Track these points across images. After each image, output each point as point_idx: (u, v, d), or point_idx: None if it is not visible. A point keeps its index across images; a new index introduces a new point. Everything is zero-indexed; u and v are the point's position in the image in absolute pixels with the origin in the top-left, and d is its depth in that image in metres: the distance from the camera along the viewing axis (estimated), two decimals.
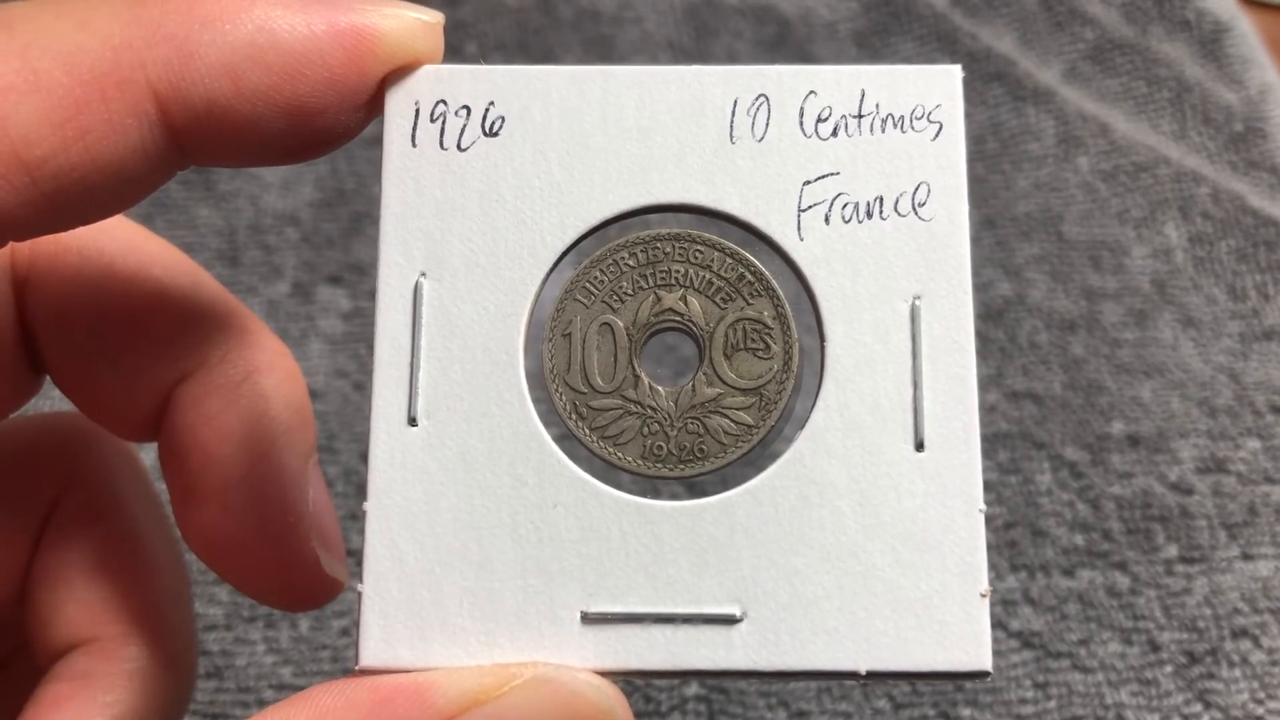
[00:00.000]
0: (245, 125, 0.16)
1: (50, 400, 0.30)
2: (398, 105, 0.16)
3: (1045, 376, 0.33)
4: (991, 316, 0.34)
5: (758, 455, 0.16)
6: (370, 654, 0.15)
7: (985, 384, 0.33)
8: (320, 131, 0.16)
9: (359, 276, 0.34)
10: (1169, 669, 0.29)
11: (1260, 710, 0.29)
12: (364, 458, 0.30)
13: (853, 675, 0.15)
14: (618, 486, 0.16)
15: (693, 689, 0.27)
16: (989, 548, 0.29)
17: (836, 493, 0.16)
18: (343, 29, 0.16)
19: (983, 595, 0.16)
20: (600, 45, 0.39)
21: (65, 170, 0.15)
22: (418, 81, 0.16)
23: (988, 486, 0.31)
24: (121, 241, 0.19)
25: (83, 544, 0.20)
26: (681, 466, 0.16)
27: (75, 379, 0.19)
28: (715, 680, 0.16)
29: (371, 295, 0.32)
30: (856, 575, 0.16)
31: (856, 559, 0.16)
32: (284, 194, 0.35)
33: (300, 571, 0.19)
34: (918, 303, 0.16)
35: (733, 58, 0.39)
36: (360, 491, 0.30)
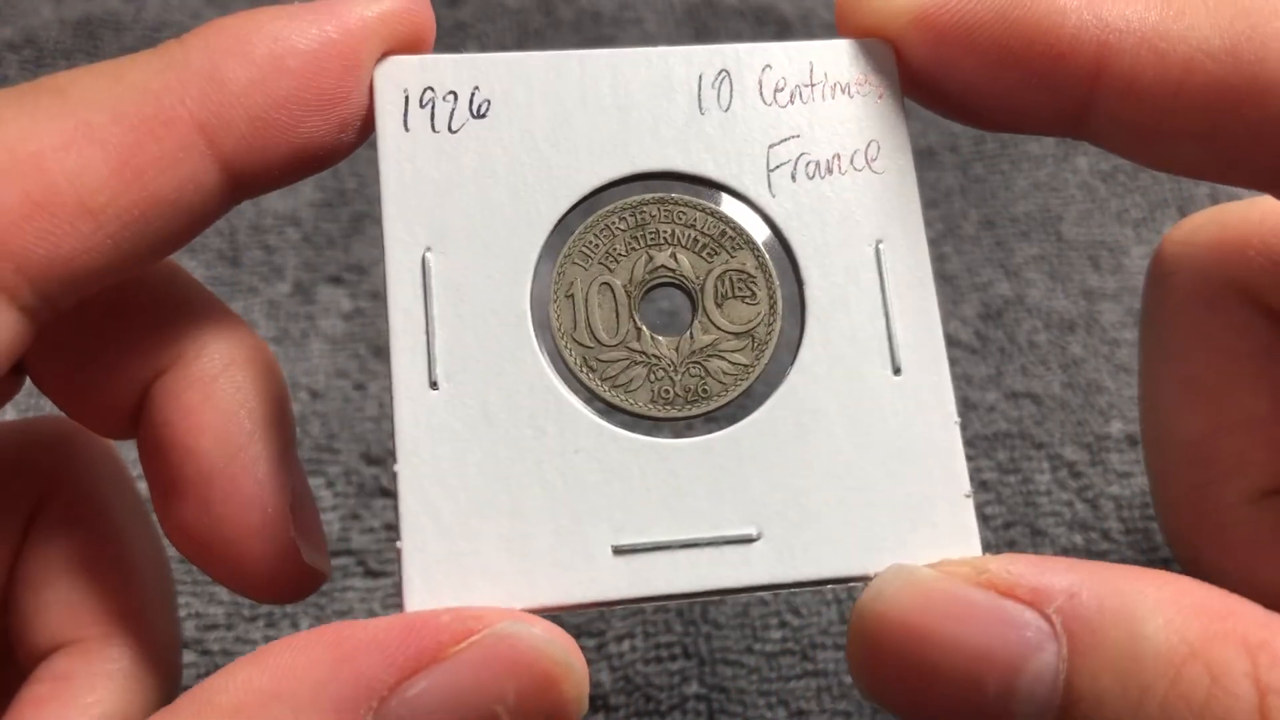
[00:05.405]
0: (287, 131, 0.17)
1: (35, 398, 0.29)
2: (387, 94, 0.18)
3: (1044, 376, 0.32)
4: (991, 316, 0.34)
5: (756, 390, 0.18)
6: (416, 603, 0.16)
7: (985, 384, 0.32)
8: (350, 120, 0.17)
9: (360, 276, 0.34)
10: None
11: None
12: (364, 456, 0.30)
13: (862, 578, 0.17)
14: (632, 430, 0.17)
15: (693, 688, 0.27)
16: (988, 546, 0.29)
17: (829, 418, 0.17)
18: (347, 22, 0.17)
19: (966, 496, 0.17)
20: (600, 45, 0.38)
21: (126, 209, 0.16)
22: (404, 71, 0.18)
23: (988, 486, 0.30)
24: None
25: (65, 546, 0.20)
26: (689, 407, 0.18)
27: (54, 377, 0.19)
28: (739, 596, 0.17)
29: (373, 295, 0.33)
30: (854, 489, 0.17)
31: (852, 475, 0.17)
32: (285, 194, 0.35)
33: (281, 563, 0.19)
34: (880, 246, 0.18)
35: None
36: (361, 490, 0.30)
